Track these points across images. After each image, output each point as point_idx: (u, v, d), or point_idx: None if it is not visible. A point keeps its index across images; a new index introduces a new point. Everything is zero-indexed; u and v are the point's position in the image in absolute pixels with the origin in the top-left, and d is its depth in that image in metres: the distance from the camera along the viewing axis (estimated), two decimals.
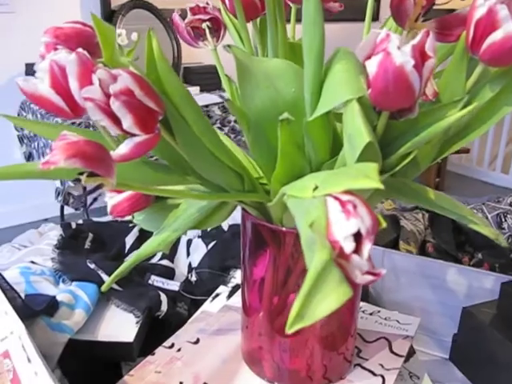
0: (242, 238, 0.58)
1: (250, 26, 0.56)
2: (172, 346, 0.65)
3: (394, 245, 0.93)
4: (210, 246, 0.85)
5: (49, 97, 0.40)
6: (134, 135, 0.39)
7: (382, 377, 0.59)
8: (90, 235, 0.91)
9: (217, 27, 0.58)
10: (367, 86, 0.35)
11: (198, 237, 0.89)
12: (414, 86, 0.33)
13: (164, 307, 0.75)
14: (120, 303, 0.77)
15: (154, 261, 0.86)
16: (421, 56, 0.33)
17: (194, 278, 0.82)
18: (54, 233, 0.94)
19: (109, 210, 0.55)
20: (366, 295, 0.83)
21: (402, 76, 0.33)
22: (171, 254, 0.88)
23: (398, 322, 0.69)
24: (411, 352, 0.71)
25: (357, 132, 0.35)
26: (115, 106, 0.36)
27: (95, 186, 0.38)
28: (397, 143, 0.39)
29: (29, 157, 2.30)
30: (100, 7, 2.41)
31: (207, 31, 0.57)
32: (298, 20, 0.46)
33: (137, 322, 0.74)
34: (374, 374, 0.59)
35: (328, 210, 0.30)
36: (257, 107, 0.43)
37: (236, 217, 0.90)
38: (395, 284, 0.82)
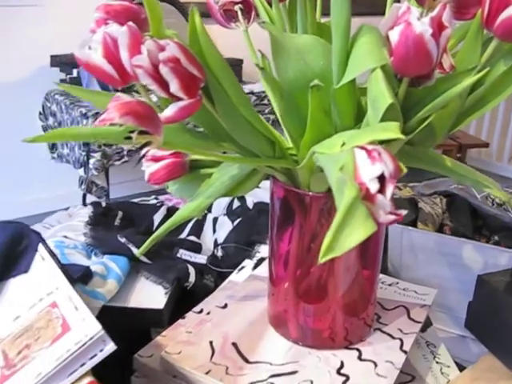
0: (271, 208, 0.63)
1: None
2: (201, 311, 0.70)
3: (412, 226, 0.97)
4: (236, 222, 0.90)
5: (101, 65, 0.45)
6: (178, 99, 0.44)
7: (401, 340, 0.63)
8: (120, 213, 0.97)
9: (248, 9, 0.63)
10: (390, 54, 0.40)
11: (224, 215, 0.94)
12: (431, 52, 0.38)
13: (192, 278, 0.80)
14: (149, 275, 0.82)
15: (181, 236, 0.91)
16: (438, 26, 0.38)
17: (219, 253, 0.87)
18: (85, 211, 0.99)
19: (146, 178, 0.60)
20: (385, 272, 0.87)
21: (421, 43, 0.37)
22: (197, 232, 0.93)
23: (415, 292, 0.73)
24: (428, 323, 0.76)
25: (380, 95, 0.40)
26: (164, 71, 0.41)
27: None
28: (416, 108, 0.44)
29: (53, 147, 2.37)
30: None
31: (239, 13, 0.62)
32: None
33: (166, 293, 0.78)
34: (393, 338, 0.64)
35: (355, 157, 0.34)
36: (289, 78, 0.48)
37: (261, 195, 0.95)
38: (413, 261, 0.86)
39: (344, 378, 0.57)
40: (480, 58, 0.48)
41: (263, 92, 2.12)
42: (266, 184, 0.87)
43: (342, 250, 0.33)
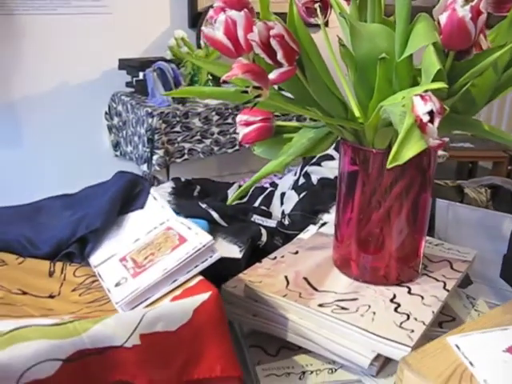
0: (340, 170, 0.79)
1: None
2: (275, 257, 0.87)
3: None
4: (302, 195, 1.07)
5: (221, 40, 0.63)
6: (280, 66, 0.61)
7: (444, 282, 0.79)
8: (198, 187, 1.15)
9: (325, 7, 0.80)
10: (439, 34, 0.57)
11: (291, 189, 1.11)
12: (470, 31, 0.55)
13: (264, 238, 0.97)
14: (226, 236, 0.99)
15: (255, 205, 1.08)
16: (476, 12, 0.55)
17: (286, 222, 1.04)
18: (167, 185, 1.18)
19: (240, 138, 0.78)
20: None
21: (463, 24, 0.54)
22: (267, 204, 1.11)
23: (458, 251, 0.89)
24: (469, 281, 0.91)
25: (431, 64, 0.57)
26: (273, 43, 0.59)
27: None
28: (458, 77, 0.60)
29: (116, 145, 2.60)
30: (187, 9, 2.71)
31: (318, 10, 0.80)
32: None
33: (240, 250, 0.96)
34: (437, 280, 0.80)
35: (413, 100, 0.51)
36: (362, 55, 0.65)
37: (324, 172, 1.12)
38: (457, 235, 1.01)
39: (396, 305, 0.73)
40: None
41: None
42: (329, 164, 1.05)
43: (402, 160, 0.49)
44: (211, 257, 0.65)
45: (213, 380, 0.59)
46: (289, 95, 0.71)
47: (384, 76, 0.63)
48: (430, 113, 0.50)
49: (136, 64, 2.48)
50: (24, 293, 0.64)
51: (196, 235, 0.66)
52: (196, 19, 2.69)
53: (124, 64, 2.53)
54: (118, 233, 0.74)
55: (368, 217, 0.78)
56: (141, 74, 2.44)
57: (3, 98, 2.51)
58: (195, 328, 0.58)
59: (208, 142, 2.30)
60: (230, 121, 2.33)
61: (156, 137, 2.17)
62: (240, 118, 0.77)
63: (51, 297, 0.65)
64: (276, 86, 0.67)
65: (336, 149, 1.13)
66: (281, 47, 0.60)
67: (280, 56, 0.60)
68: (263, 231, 0.98)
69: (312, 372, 0.74)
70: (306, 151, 0.76)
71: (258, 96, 0.60)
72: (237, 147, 2.37)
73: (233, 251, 0.95)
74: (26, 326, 0.53)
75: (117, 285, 0.64)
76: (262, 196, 1.13)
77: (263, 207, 1.08)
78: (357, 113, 0.72)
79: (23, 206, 0.82)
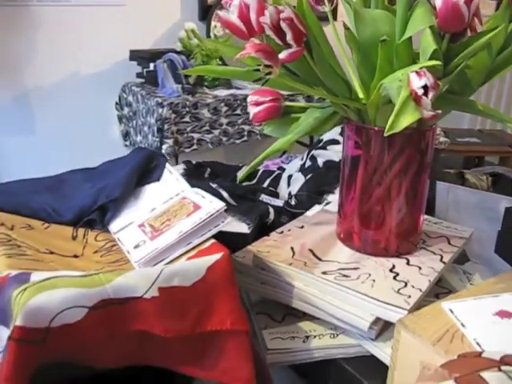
0: (344, 150, 0.85)
1: None
2: (282, 232, 0.93)
3: None
4: (308, 177, 1.13)
5: (236, 23, 0.69)
6: (289, 47, 0.67)
7: (441, 255, 0.85)
8: (208, 169, 1.21)
9: None
10: (435, 17, 0.63)
11: (298, 171, 1.17)
12: (464, 15, 0.61)
13: (271, 216, 1.03)
14: (235, 214, 1.05)
15: (263, 186, 1.14)
16: None
17: (293, 202, 1.10)
18: (178, 167, 1.24)
19: (251, 117, 0.84)
20: None
21: (457, 8, 0.60)
22: (274, 186, 1.17)
23: (456, 229, 0.95)
24: (466, 259, 0.97)
25: (428, 44, 0.63)
26: (283, 25, 0.65)
27: None
28: (453, 58, 0.66)
29: (126, 135, 2.66)
30: (198, 2, 2.78)
31: None
32: None
33: (249, 228, 1.02)
34: (435, 254, 0.86)
35: (409, 76, 0.57)
36: (365, 38, 0.71)
37: (330, 155, 1.18)
38: (457, 216, 1.07)
39: (394, 274, 0.79)
40: (507, 26, 0.70)
41: None
42: (334, 148, 1.11)
43: (398, 128, 0.56)
44: (223, 222, 0.71)
45: (223, 332, 0.65)
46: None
47: (385, 57, 0.69)
48: (425, 87, 0.56)
49: (147, 55, 2.55)
50: (51, 252, 0.70)
51: (210, 203, 0.73)
52: (206, 12, 2.76)
53: (135, 55, 2.60)
54: (135, 203, 0.81)
55: (370, 194, 0.83)
56: (151, 65, 2.50)
57: (17, 87, 2.58)
58: (208, 284, 0.64)
59: (217, 132, 2.36)
60: (238, 112, 2.40)
61: (166, 127, 2.23)
62: (251, 98, 0.83)
63: (75, 256, 0.71)
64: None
65: (341, 134, 1.19)
66: (290, 29, 0.66)
67: (289, 37, 0.66)
68: (271, 210, 1.04)
69: (315, 336, 0.80)
70: (312, 130, 0.82)
71: (269, 74, 0.66)
72: (245, 138, 2.43)
73: (242, 228, 1.01)
74: (56, 276, 0.60)
75: (136, 247, 0.70)
76: (270, 178, 1.19)
77: (271, 187, 1.14)
78: (360, 94, 0.78)
79: (47, 178, 0.88)
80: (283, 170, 1.26)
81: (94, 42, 2.65)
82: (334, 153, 1.14)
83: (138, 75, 2.63)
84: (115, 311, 0.60)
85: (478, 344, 0.66)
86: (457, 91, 0.74)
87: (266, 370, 0.73)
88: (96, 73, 2.70)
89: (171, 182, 0.82)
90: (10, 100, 2.60)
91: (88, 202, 0.79)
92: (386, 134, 0.56)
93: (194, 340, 0.65)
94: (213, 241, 0.70)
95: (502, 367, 0.61)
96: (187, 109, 2.27)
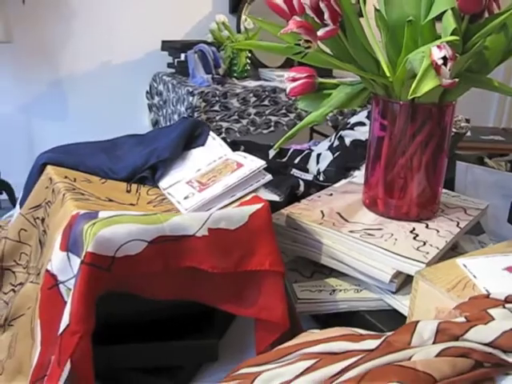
0: (371, 125, 0.96)
1: None
2: (312, 199, 1.04)
3: None
4: (336, 154, 1.24)
5: (279, 4, 0.80)
6: (326, 25, 0.78)
7: (457, 222, 0.95)
8: (242, 147, 1.32)
9: None
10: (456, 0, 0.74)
11: (326, 150, 1.28)
12: None
13: (301, 188, 1.14)
14: (267, 186, 1.16)
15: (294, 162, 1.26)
16: None
17: (321, 178, 1.21)
18: None
19: (288, 91, 0.95)
20: None
21: None
22: (304, 163, 1.28)
23: (473, 202, 1.05)
24: (482, 231, 1.07)
25: (448, 24, 0.73)
26: (322, 5, 0.76)
27: None
28: (472, 38, 0.77)
29: (155, 123, 2.80)
30: None
31: None
32: None
33: (280, 198, 1.13)
34: (452, 220, 0.96)
35: (431, 49, 0.68)
36: (393, 19, 0.82)
37: (357, 135, 1.28)
38: (474, 194, 1.17)
39: (414, 235, 0.90)
40: None
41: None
42: (361, 129, 1.22)
43: (420, 92, 0.66)
44: (263, 178, 0.82)
45: (262, 272, 0.76)
46: None
47: (411, 36, 0.79)
48: (444, 58, 0.67)
49: (178, 46, 2.68)
50: (110, 200, 0.82)
51: (251, 161, 0.84)
52: (236, 5, 2.88)
53: (166, 45, 2.73)
54: (182, 164, 0.92)
55: (393, 164, 0.94)
56: (182, 56, 2.63)
57: (52, 74, 2.73)
58: (250, 229, 0.75)
59: (245, 122, 2.48)
60: (266, 103, 2.51)
61: (195, 115, 2.35)
62: (288, 74, 0.94)
63: (131, 205, 0.82)
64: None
65: (367, 117, 1.30)
66: (327, 9, 0.77)
67: (326, 16, 0.77)
68: (301, 182, 1.15)
69: (341, 290, 0.91)
70: (342, 104, 0.93)
71: (308, 48, 0.77)
72: (272, 129, 2.54)
73: (273, 198, 1.12)
74: (121, 214, 0.71)
75: (185, 198, 0.82)
76: (300, 157, 1.30)
77: (301, 164, 1.25)
78: (387, 71, 0.88)
79: (102, 142, 1.00)
80: (312, 151, 1.37)
81: (127, 31, 2.79)
82: (361, 133, 1.25)
83: (169, 65, 2.76)
84: (170, 247, 0.71)
85: (487, 291, 0.76)
86: (475, 70, 0.84)
87: (296, 314, 0.84)
88: (128, 62, 2.84)
89: (215, 147, 0.94)
90: (46, 86, 2.75)
91: (140, 162, 0.91)
92: (409, 97, 0.67)
93: (235, 278, 0.76)
94: (254, 194, 0.81)
95: (506, 305, 0.71)
96: (217, 98, 2.39)
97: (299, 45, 0.77)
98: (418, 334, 0.67)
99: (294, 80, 0.94)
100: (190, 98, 2.36)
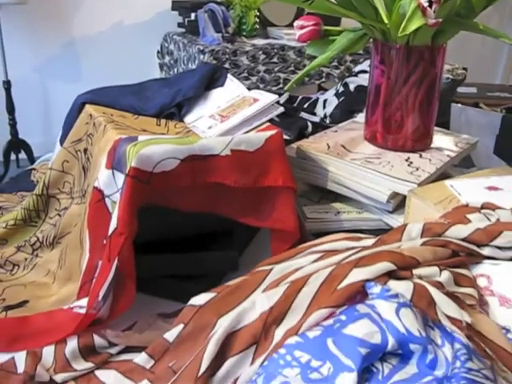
0: (372, 68, 1.11)
1: None
2: (318, 135, 1.19)
3: None
4: (341, 99, 1.39)
5: None
6: None
7: (448, 153, 1.10)
8: None
9: None
10: None
11: (333, 96, 1.43)
12: None
13: (310, 129, 1.29)
14: (279, 127, 1.31)
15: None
16: None
17: (328, 120, 1.36)
18: None
19: (296, 37, 1.10)
20: None
21: None
22: (312, 108, 1.43)
23: (464, 137, 1.20)
24: (472, 165, 1.22)
25: None
26: None
27: None
28: None
29: None
30: None
31: None
32: None
33: (290, 138, 1.28)
34: (443, 151, 1.11)
35: None
36: None
37: (360, 81, 1.43)
38: (468, 134, 1.32)
39: (409, 163, 1.05)
40: None
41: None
42: (364, 76, 1.37)
43: (409, 30, 0.81)
44: (276, 110, 0.97)
45: (276, 188, 0.92)
46: None
47: None
48: (430, 1, 0.81)
49: (188, 5, 2.81)
50: (144, 130, 0.97)
51: (266, 97, 0.99)
52: None
53: (177, 5, 2.87)
54: (205, 102, 1.07)
55: (391, 102, 1.09)
56: (192, 15, 2.76)
57: (65, 35, 2.87)
58: (266, 151, 0.91)
59: (254, 79, 2.62)
60: (275, 60, 2.65)
61: None
62: (297, 23, 1.09)
63: (163, 134, 0.98)
64: None
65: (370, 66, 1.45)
66: None
67: None
68: (309, 124, 1.30)
69: (345, 212, 1.07)
70: (346, 48, 1.08)
71: None
72: (281, 85, 2.68)
73: (284, 137, 1.28)
74: (157, 138, 0.87)
75: (209, 128, 0.97)
76: (308, 103, 1.45)
77: (309, 109, 1.41)
78: (384, 17, 1.03)
79: (131, 85, 1.15)
80: (319, 98, 1.52)
81: None
82: (364, 80, 1.39)
83: (180, 25, 2.89)
84: (199, 165, 0.87)
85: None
86: (463, 15, 0.99)
87: (305, 231, 1.00)
88: (139, 23, 2.98)
89: (233, 87, 1.08)
90: (59, 48, 2.89)
91: (167, 101, 1.06)
92: (399, 35, 0.82)
93: (253, 194, 0.92)
94: (268, 123, 0.97)
95: (482, 211, 0.87)
96: (227, 56, 2.54)
97: None
98: (407, 233, 0.83)
99: (302, 27, 1.09)
100: (201, 57, 2.50)
